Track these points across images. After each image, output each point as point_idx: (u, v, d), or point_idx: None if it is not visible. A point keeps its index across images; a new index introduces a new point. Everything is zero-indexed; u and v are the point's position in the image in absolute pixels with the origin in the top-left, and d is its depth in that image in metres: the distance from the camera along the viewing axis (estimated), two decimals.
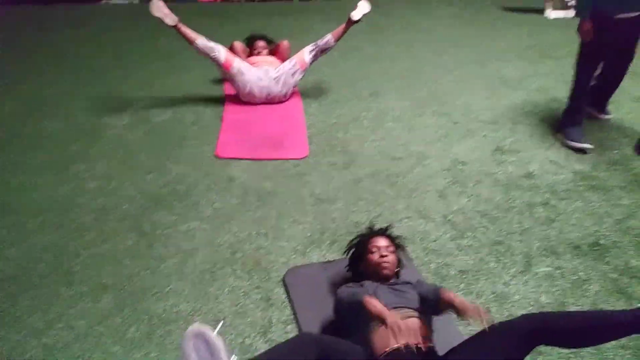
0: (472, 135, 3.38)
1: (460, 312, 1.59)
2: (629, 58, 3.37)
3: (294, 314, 1.98)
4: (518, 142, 3.31)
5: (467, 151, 3.18)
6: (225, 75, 3.73)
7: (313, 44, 3.73)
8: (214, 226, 2.45)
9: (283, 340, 1.83)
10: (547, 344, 1.61)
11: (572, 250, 2.36)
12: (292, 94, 3.81)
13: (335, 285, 2.07)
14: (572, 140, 3.24)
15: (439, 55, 4.96)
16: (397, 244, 2.00)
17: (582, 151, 3.17)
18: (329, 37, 3.71)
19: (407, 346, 1.60)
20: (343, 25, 3.70)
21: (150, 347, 1.82)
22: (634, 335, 1.57)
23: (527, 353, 1.56)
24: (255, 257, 2.26)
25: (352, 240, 2.06)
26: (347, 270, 2.06)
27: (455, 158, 3.10)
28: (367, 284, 1.86)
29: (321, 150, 3.16)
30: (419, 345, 1.62)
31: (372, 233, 2.04)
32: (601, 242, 2.42)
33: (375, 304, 1.63)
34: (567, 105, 3.41)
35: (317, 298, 2.04)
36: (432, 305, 1.74)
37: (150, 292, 2.06)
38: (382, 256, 1.92)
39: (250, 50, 4.09)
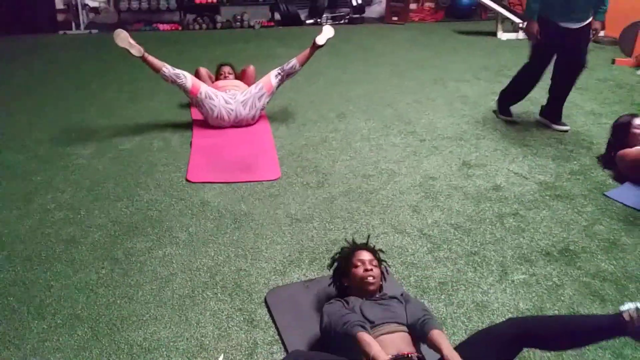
0: (439, 152, 3.47)
1: None
2: (577, 67, 3.59)
3: (279, 334, 1.95)
4: (483, 157, 3.42)
5: (436, 167, 3.26)
6: (192, 101, 3.72)
7: (279, 68, 3.78)
8: (190, 251, 2.40)
9: None
10: (530, 347, 1.64)
11: (544, 257, 2.43)
12: (260, 117, 3.83)
13: (319, 302, 2.06)
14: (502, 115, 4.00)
15: (400, 77, 5.10)
16: (379, 258, 2.01)
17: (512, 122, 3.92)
18: (294, 62, 3.76)
19: (397, 356, 1.60)
20: (308, 50, 3.77)
21: None
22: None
23: (514, 357, 1.59)
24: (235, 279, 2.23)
25: (335, 254, 2.05)
26: (330, 285, 2.05)
27: (425, 174, 3.17)
28: (352, 299, 1.85)
29: (293, 171, 3.17)
30: (409, 355, 1.62)
31: (355, 247, 2.04)
32: (571, 247, 2.50)
33: (370, 345, 1.58)
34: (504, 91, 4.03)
35: (301, 317, 2.01)
36: (418, 335, 1.71)
37: (129, 320, 1.99)
38: (366, 270, 1.92)
39: (217, 76, 4.11)
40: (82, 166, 3.18)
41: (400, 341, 1.67)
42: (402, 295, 1.91)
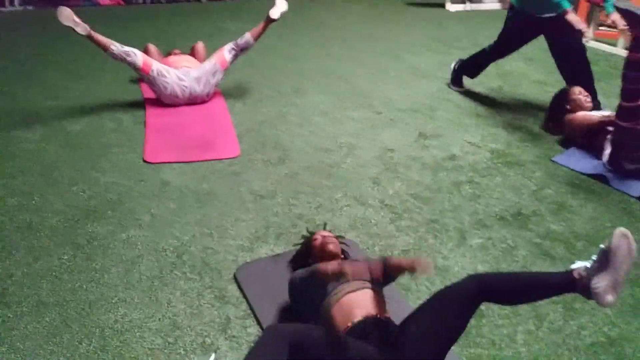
0: (396, 124, 3.54)
1: (410, 269, 1.67)
2: (580, 55, 3.54)
3: (251, 308, 1.98)
4: (438, 128, 3.52)
5: (394, 139, 3.33)
6: (144, 79, 3.61)
7: (232, 43, 3.72)
8: (155, 232, 2.38)
9: (244, 335, 1.86)
10: (489, 302, 1.74)
11: (498, 221, 2.56)
12: (214, 94, 3.77)
13: (287, 275, 2.10)
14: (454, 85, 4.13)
15: (353, 50, 5.12)
16: (337, 236, 2.06)
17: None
18: (248, 36, 3.71)
19: (367, 317, 1.68)
20: (262, 24, 3.71)
21: (107, 359, 1.74)
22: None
23: (474, 311, 1.68)
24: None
25: (295, 244, 2.13)
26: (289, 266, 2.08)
27: (383, 146, 3.24)
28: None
29: (253, 148, 3.16)
30: (378, 316, 1.69)
31: (314, 232, 2.08)
32: (522, 211, 2.65)
33: (328, 265, 1.69)
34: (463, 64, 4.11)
35: (271, 291, 2.05)
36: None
37: (97, 304, 1.96)
38: (324, 236, 1.98)
39: (166, 53, 3.99)
40: (31, 151, 3.04)
41: (367, 301, 1.73)
42: (363, 257, 1.99)
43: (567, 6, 3.35)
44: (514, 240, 2.43)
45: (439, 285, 2.14)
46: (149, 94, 3.80)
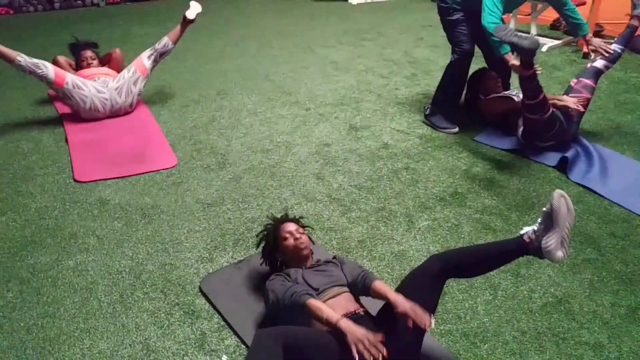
0: (326, 119, 3.62)
1: (395, 308, 1.64)
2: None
3: (224, 319, 1.96)
4: (366, 119, 3.64)
5: (327, 134, 3.41)
6: (58, 93, 3.38)
7: (151, 48, 3.58)
8: (104, 254, 2.26)
9: (223, 348, 1.84)
10: (454, 277, 1.86)
11: (439, 202, 2.73)
12: (137, 103, 3.62)
13: (254, 281, 2.11)
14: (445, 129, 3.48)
15: (269, 48, 5.12)
16: (303, 225, 2.09)
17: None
18: (166, 40, 3.59)
19: (346, 314, 1.73)
20: (178, 27, 3.62)
21: None
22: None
23: (442, 288, 1.79)
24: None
25: (260, 233, 2.09)
26: (262, 264, 2.09)
27: (318, 142, 3.30)
28: (292, 271, 1.93)
29: (189, 156, 3.09)
30: (355, 311, 1.76)
31: (279, 221, 2.10)
32: (459, 190, 2.83)
33: (322, 310, 1.64)
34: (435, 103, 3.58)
35: (241, 298, 2.04)
36: (361, 290, 1.83)
37: (58, 340, 1.84)
38: (296, 239, 1.99)
39: (78, 63, 3.75)
40: None
41: (345, 301, 1.80)
42: (334, 258, 2.03)
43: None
44: (456, 219, 2.60)
45: (398, 269, 2.24)
46: (64, 109, 3.57)
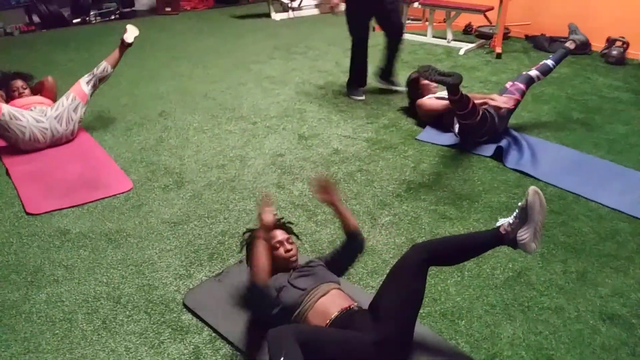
0: (274, 131, 3.70)
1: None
2: (396, 33, 4.28)
3: (215, 331, 1.98)
4: (312, 128, 3.76)
5: (278, 145, 3.49)
6: None
7: (89, 74, 3.50)
8: (77, 283, 2.20)
9: (219, 358, 1.86)
10: (435, 265, 2.00)
11: (395, 198, 2.89)
12: (78, 131, 3.51)
13: (237, 290, 2.14)
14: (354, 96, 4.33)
15: (202, 67, 5.13)
16: (292, 232, 2.15)
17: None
18: (104, 64, 3.53)
19: (341, 311, 1.82)
20: (117, 51, 3.57)
21: None
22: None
23: (426, 276, 1.92)
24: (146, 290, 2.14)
25: (244, 240, 2.12)
26: (248, 269, 2.11)
27: (271, 153, 3.37)
28: (279, 277, 1.98)
29: (144, 178, 3.05)
30: (350, 307, 1.85)
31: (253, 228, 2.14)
32: (411, 186, 3.01)
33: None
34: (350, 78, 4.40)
35: (227, 308, 2.07)
36: (345, 250, 2.10)
37: None
38: (287, 250, 2.02)
39: (8, 94, 3.58)
40: None
41: (337, 298, 1.88)
42: (317, 258, 2.12)
43: None
44: (415, 212, 2.77)
45: (371, 264, 2.37)
46: None
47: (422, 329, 1.98)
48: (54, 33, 6.38)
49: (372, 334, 1.71)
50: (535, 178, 3.06)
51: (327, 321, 1.79)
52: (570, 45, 3.67)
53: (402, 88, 4.26)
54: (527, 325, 2.03)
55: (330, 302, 1.86)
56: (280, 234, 2.07)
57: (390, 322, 1.75)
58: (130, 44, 3.57)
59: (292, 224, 2.20)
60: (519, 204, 1.86)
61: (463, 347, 1.94)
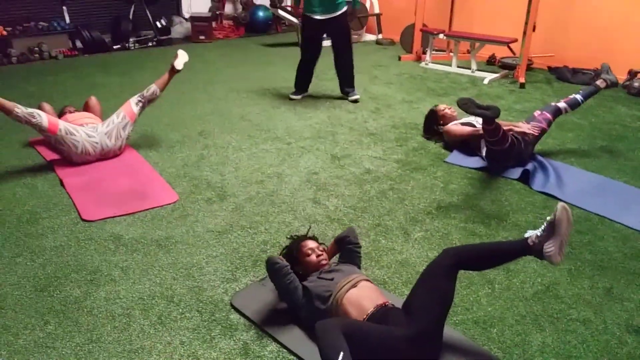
0: (308, 151, 3.89)
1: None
2: (346, 50, 4.89)
3: (261, 329, 2.12)
4: (344, 149, 3.94)
5: (312, 164, 3.67)
6: (50, 140, 3.46)
7: (139, 95, 3.75)
8: (132, 283, 2.37)
9: (267, 354, 2.00)
10: (464, 270, 2.13)
11: (427, 216, 3.03)
12: (125, 147, 3.75)
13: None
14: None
15: (236, 91, 5.38)
16: (321, 242, 2.33)
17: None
18: (154, 88, 3.77)
19: (377, 307, 1.97)
20: (166, 75, 3.82)
21: None
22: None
23: (456, 279, 2.04)
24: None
25: (283, 250, 2.34)
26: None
27: (307, 171, 3.55)
28: (312, 279, 2.16)
29: (188, 191, 3.24)
30: (386, 304, 2.00)
31: (300, 239, 2.33)
32: (441, 205, 3.15)
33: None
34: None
35: (271, 309, 2.22)
36: (349, 250, 2.33)
37: None
38: (318, 255, 2.24)
39: (60, 113, 3.86)
40: None
41: (370, 292, 2.05)
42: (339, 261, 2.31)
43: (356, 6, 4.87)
44: (445, 229, 2.90)
45: (406, 275, 2.50)
46: (50, 155, 3.64)
47: (455, 333, 2.10)
48: (95, 58, 6.74)
49: (406, 330, 1.84)
50: (561, 200, 3.18)
51: (365, 316, 1.94)
52: (601, 84, 3.83)
53: (299, 97, 5.12)
54: (557, 335, 2.13)
55: (364, 296, 2.01)
56: (311, 243, 2.29)
57: (422, 320, 1.88)
58: (179, 70, 3.82)
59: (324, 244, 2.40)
60: (547, 218, 1.99)
61: (495, 352, 2.05)
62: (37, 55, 6.41)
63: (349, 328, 1.77)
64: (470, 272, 2.41)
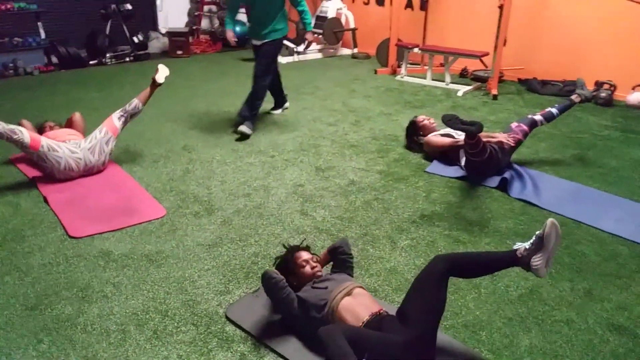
0: (292, 164, 3.94)
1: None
2: (258, 76, 4.61)
3: (257, 340, 2.15)
4: (328, 161, 4.01)
5: (297, 176, 3.72)
6: (32, 156, 3.43)
7: (121, 110, 3.75)
8: (125, 299, 2.37)
9: None
10: (455, 276, 2.20)
11: (412, 224, 3.11)
12: (108, 162, 3.73)
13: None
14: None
15: (217, 106, 5.42)
16: (314, 253, 2.38)
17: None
18: (136, 102, 3.78)
19: (372, 315, 2.02)
20: (148, 89, 3.83)
21: None
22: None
23: (447, 286, 2.11)
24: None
25: (276, 260, 2.38)
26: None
27: (292, 183, 3.60)
28: (306, 289, 2.20)
29: (176, 205, 3.25)
30: (380, 312, 2.05)
31: (294, 249, 2.37)
32: (425, 213, 3.24)
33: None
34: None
35: (267, 320, 2.25)
36: (342, 259, 2.40)
37: None
38: (313, 267, 2.29)
39: (41, 130, 3.82)
40: None
41: (365, 300, 2.11)
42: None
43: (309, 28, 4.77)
44: (430, 236, 2.99)
45: (395, 283, 2.56)
46: (32, 172, 3.60)
47: (446, 338, 2.17)
48: (72, 73, 6.68)
49: (402, 336, 1.90)
50: (538, 207, 3.31)
51: (360, 324, 1.99)
52: (576, 98, 4.03)
53: (279, 111, 5.17)
54: (543, 336, 2.22)
55: (359, 303, 2.07)
56: (305, 254, 2.34)
57: (418, 326, 1.94)
58: (160, 84, 3.83)
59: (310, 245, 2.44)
60: (537, 232, 2.06)
61: (486, 354, 2.12)
62: (11, 71, 6.32)
63: (350, 333, 1.82)
64: (458, 278, 2.49)
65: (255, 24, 4.52)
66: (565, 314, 2.36)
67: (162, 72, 3.84)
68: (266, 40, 4.53)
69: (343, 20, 8.13)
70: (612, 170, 3.90)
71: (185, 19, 8.89)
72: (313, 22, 7.89)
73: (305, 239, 2.46)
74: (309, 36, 4.89)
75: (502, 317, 2.33)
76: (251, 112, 4.56)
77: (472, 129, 3.26)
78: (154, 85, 3.82)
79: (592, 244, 2.91)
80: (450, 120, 3.28)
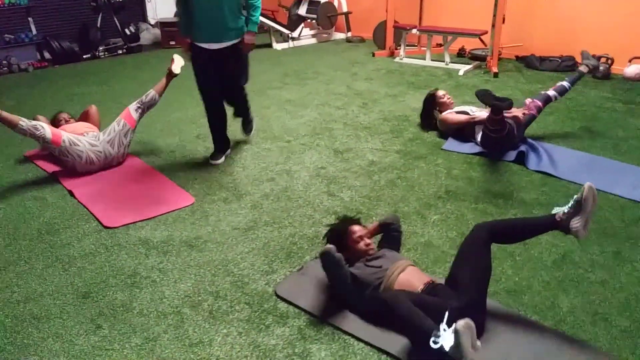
0: (310, 148, 3.98)
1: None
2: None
3: (311, 314, 2.20)
4: (344, 143, 4.05)
5: (317, 159, 3.76)
6: (54, 151, 3.42)
7: (137, 101, 3.74)
8: (174, 283, 2.40)
9: (322, 336, 2.08)
10: (497, 243, 2.28)
11: (439, 200, 3.18)
12: (126, 154, 3.73)
13: (320, 280, 2.37)
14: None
15: None
16: (364, 226, 2.43)
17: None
18: (152, 93, 3.77)
19: (426, 284, 2.10)
20: (164, 79, 3.82)
21: None
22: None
23: (490, 252, 2.18)
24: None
25: (327, 233, 2.43)
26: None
27: (313, 166, 3.64)
28: (359, 265, 2.26)
29: (203, 192, 3.27)
30: (432, 281, 2.13)
31: (346, 223, 2.42)
32: (449, 189, 3.31)
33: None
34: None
35: (317, 295, 2.30)
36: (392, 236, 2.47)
37: (174, 355, 1.98)
38: (367, 244, 2.34)
39: (55, 125, 3.80)
40: None
41: (417, 273, 2.18)
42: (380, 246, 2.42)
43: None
44: (459, 210, 3.06)
45: (431, 255, 2.63)
46: (51, 167, 3.58)
47: (492, 303, 2.25)
48: (67, 68, 6.60)
49: (456, 302, 1.97)
50: (556, 177, 3.40)
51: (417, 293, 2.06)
52: (584, 69, 4.13)
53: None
54: (581, 296, 2.32)
55: (412, 277, 2.14)
56: (359, 230, 2.37)
57: (469, 291, 2.03)
58: (176, 74, 3.82)
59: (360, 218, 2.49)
60: (575, 196, 2.13)
61: (531, 315, 2.21)
62: (5, 68, 6.22)
63: (414, 297, 1.89)
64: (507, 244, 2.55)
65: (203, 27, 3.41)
66: (599, 275, 2.46)
67: (178, 63, 3.83)
68: (228, 43, 3.48)
69: (336, 4, 8.13)
70: (622, 140, 4.01)
71: (174, 8, 8.78)
72: (305, 7, 7.88)
73: (359, 216, 2.52)
74: (248, 37, 3.56)
75: (540, 282, 2.42)
76: (246, 114, 3.95)
77: (504, 105, 3.37)
78: (170, 75, 3.81)
79: (615, 211, 3.01)
80: (483, 95, 3.38)
